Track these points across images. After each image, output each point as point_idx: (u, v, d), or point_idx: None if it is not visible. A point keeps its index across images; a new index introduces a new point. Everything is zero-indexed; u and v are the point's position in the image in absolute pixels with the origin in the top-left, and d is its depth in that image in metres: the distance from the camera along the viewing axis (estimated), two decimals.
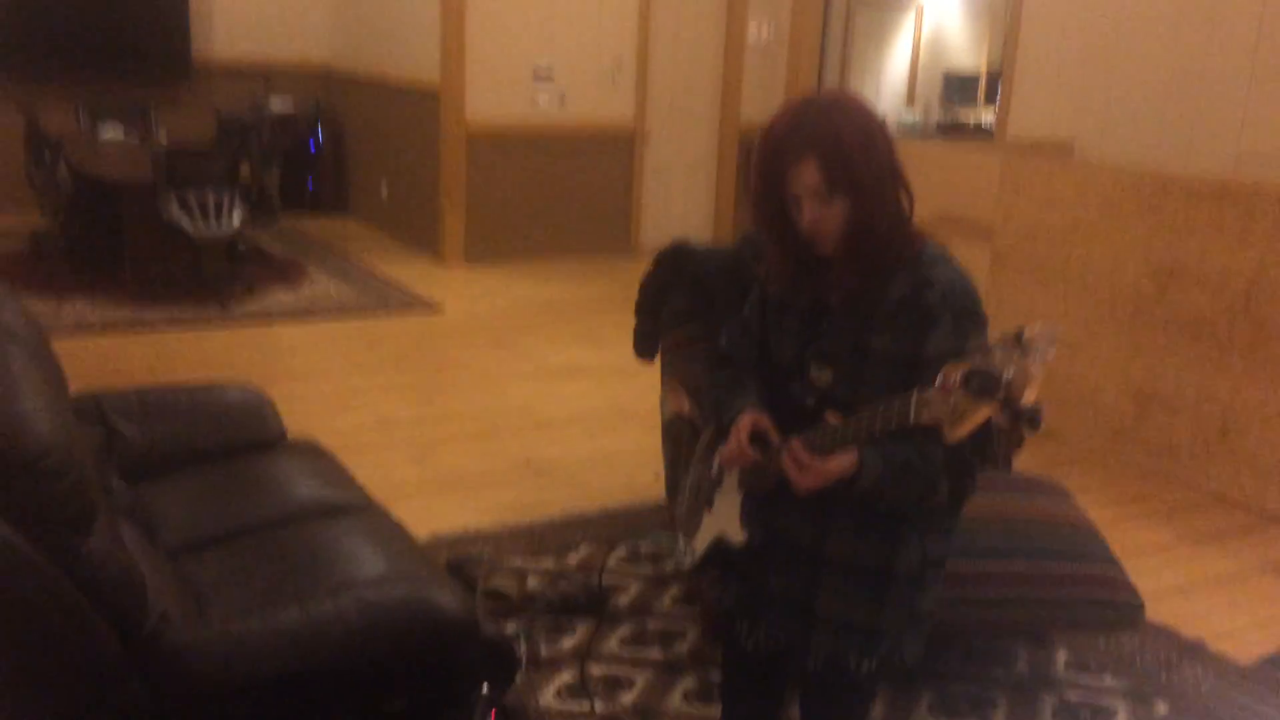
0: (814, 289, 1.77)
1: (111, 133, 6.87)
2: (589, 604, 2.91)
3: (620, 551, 3.25)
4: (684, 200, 8.03)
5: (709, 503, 1.93)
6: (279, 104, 8.38)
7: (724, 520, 1.87)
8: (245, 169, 6.10)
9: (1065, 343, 4.51)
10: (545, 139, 7.23)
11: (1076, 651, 2.86)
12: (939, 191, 5.01)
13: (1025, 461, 4.21)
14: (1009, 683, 2.71)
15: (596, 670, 2.66)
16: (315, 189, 8.64)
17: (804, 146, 1.61)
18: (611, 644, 2.78)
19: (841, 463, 1.61)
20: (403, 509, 3.42)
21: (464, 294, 6.43)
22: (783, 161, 1.63)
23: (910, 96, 10.44)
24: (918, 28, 10.32)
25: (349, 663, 1.85)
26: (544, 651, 2.73)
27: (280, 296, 6.11)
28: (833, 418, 1.63)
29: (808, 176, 1.62)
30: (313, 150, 8.57)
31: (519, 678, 2.33)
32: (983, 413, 1.39)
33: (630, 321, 3.08)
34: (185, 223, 5.62)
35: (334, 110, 8.71)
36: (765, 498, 1.80)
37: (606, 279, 6.82)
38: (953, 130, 9.49)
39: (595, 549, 3.27)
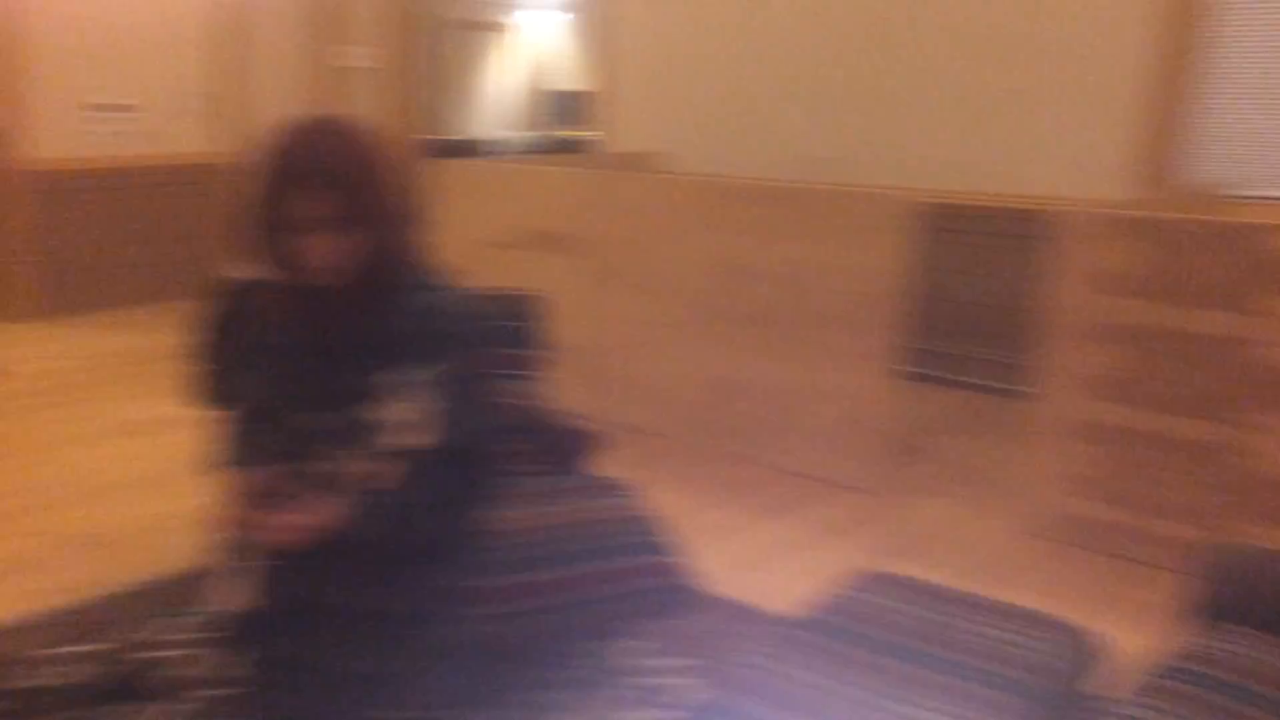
0: (311, 325, 1.71)
1: None
2: (149, 688, 2.69)
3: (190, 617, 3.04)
4: None
5: (231, 572, 1.85)
6: None
7: (243, 587, 1.80)
8: None
9: (650, 342, 4.77)
10: (122, 176, 6.73)
11: (637, 639, 2.99)
12: (533, 209, 5.15)
13: (624, 457, 4.43)
14: (568, 684, 2.78)
15: None
16: None
17: (316, 174, 1.53)
18: None
19: (325, 515, 1.58)
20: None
21: (31, 354, 5.83)
22: (290, 189, 1.53)
23: (512, 115, 10.68)
24: (517, 49, 10.57)
25: None
26: None
27: None
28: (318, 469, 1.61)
29: (321, 206, 1.54)
30: None
31: None
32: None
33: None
34: None
35: None
36: (281, 560, 1.73)
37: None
38: (557, 147, 9.81)
39: (161, 620, 3.02)
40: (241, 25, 7.18)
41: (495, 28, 10.35)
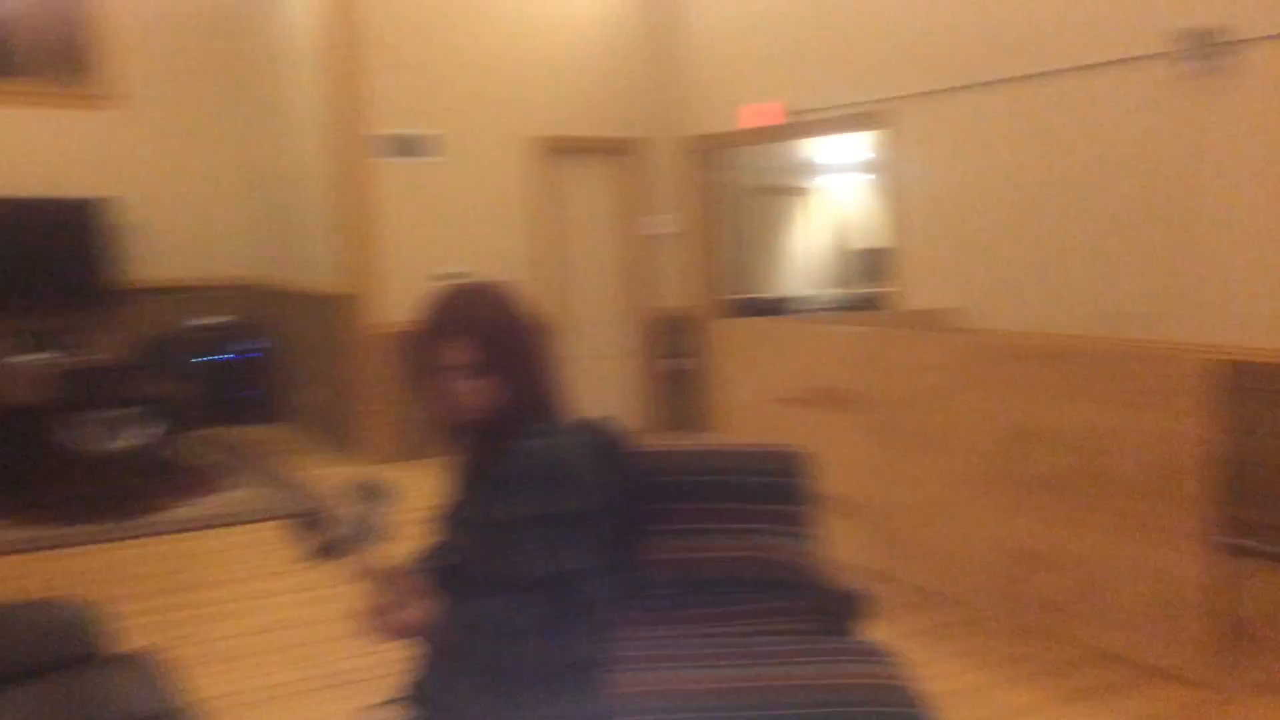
0: (456, 456, 1.90)
1: (32, 356, 7.02)
2: None
3: None
4: (607, 390, 8.21)
5: None
6: (211, 319, 8.63)
7: None
8: (160, 385, 6.24)
9: (939, 503, 4.60)
10: None
11: None
12: (818, 367, 5.19)
13: (911, 625, 4.25)
14: None
15: None
16: (252, 398, 8.78)
17: (456, 325, 1.73)
18: None
19: (413, 617, 1.71)
20: (275, 710, 3.41)
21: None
22: (437, 336, 1.75)
23: (824, 275, 10.85)
24: (825, 209, 10.82)
25: None
26: None
27: (188, 508, 6.14)
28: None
29: (458, 353, 1.73)
30: (244, 361, 8.76)
31: None
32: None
33: None
34: (88, 441, 5.70)
35: (264, 322, 8.95)
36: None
37: None
38: (861, 304, 9.84)
39: None
40: (558, 200, 7.88)
41: (798, 192, 10.68)
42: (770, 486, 3.67)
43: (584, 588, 1.74)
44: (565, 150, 7.84)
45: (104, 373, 6.05)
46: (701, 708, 2.68)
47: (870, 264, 10.46)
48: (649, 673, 2.84)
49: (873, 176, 10.56)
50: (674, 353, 8.34)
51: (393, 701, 1.92)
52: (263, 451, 7.70)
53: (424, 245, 7.33)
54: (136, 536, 5.60)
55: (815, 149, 10.41)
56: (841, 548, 4.75)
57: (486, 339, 1.73)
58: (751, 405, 5.57)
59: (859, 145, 10.45)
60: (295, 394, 8.58)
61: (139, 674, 2.85)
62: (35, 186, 8.09)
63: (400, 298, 7.20)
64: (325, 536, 1.62)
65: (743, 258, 10.12)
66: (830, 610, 3.34)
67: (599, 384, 8.17)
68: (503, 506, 1.73)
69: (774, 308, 9.90)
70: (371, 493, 1.71)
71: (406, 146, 7.26)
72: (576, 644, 1.74)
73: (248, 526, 5.82)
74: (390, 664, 3.82)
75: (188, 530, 5.73)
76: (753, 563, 3.54)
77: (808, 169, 10.63)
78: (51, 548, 5.39)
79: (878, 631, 3.24)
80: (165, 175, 8.71)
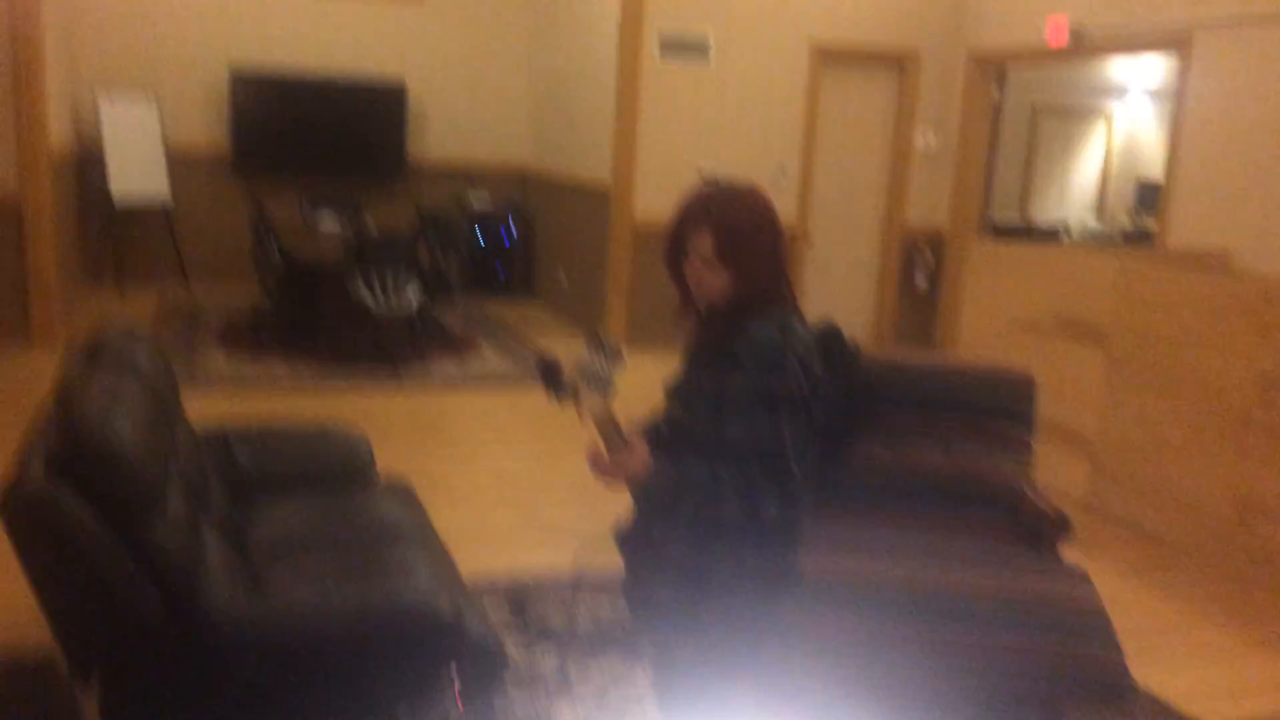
0: (692, 336, 2.10)
1: (326, 221, 7.82)
2: (624, 641, 3.20)
3: None
4: (845, 300, 8.25)
5: None
6: (479, 200, 9.28)
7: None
8: (432, 255, 6.85)
9: (1169, 444, 4.47)
10: None
11: None
12: (1055, 294, 5.08)
13: (1121, 557, 4.22)
14: None
15: (614, 690, 2.95)
16: (506, 276, 9.42)
17: (706, 219, 1.93)
18: (637, 671, 3.06)
19: (628, 465, 1.89)
20: (495, 548, 3.85)
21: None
22: (687, 227, 1.96)
23: (1100, 205, 10.29)
24: (1109, 136, 10.21)
25: (347, 643, 2.24)
26: (577, 681, 3.04)
27: (449, 367, 6.76)
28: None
29: (703, 244, 1.94)
30: (505, 242, 9.37)
31: (506, 677, 2.65)
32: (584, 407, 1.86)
33: None
34: (369, 301, 6.37)
35: (526, 207, 9.52)
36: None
37: None
38: (1138, 239, 9.30)
39: None
40: (824, 108, 7.86)
41: (1087, 113, 10.11)
42: (994, 407, 3.72)
43: (786, 463, 1.92)
44: (838, 58, 7.79)
45: (389, 241, 6.69)
46: (888, 598, 2.84)
47: (1144, 197, 9.86)
48: (841, 560, 3.03)
49: (1160, 105, 9.88)
50: (918, 271, 8.25)
51: (604, 545, 2.20)
52: (514, 325, 8.29)
53: (687, 145, 7.54)
54: (403, 387, 6.25)
55: (1102, 71, 9.81)
56: (1056, 475, 4.73)
57: (727, 233, 1.92)
58: (988, 329, 5.53)
59: (1149, 71, 9.78)
60: (547, 276, 9.12)
61: (396, 497, 3.31)
62: (347, 70, 8.90)
63: (657, 195, 7.48)
64: (566, 381, 1.88)
65: (1009, 180, 9.76)
66: (1036, 531, 3.40)
67: (840, 294, 8.21)
68: (725, 382, 1.93)
69: (1033, 233, 9.54)
70: (606, 349, 1.93)
71: (682, 48, 7.44)
72: (772, 511, 1.92)
73: (495, 389, 6.36)
74: (599, 520, 4.19)
75: (445, 387, 6.34)
76: (964, 477, 3.63)
77: (1093, 91, 10.04)
78: (334, 389, 6.11)
79: (1080, 559, 3.28)
80: (457, 65, 9.35)
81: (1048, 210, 10.11)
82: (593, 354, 1.92)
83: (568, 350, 2.00)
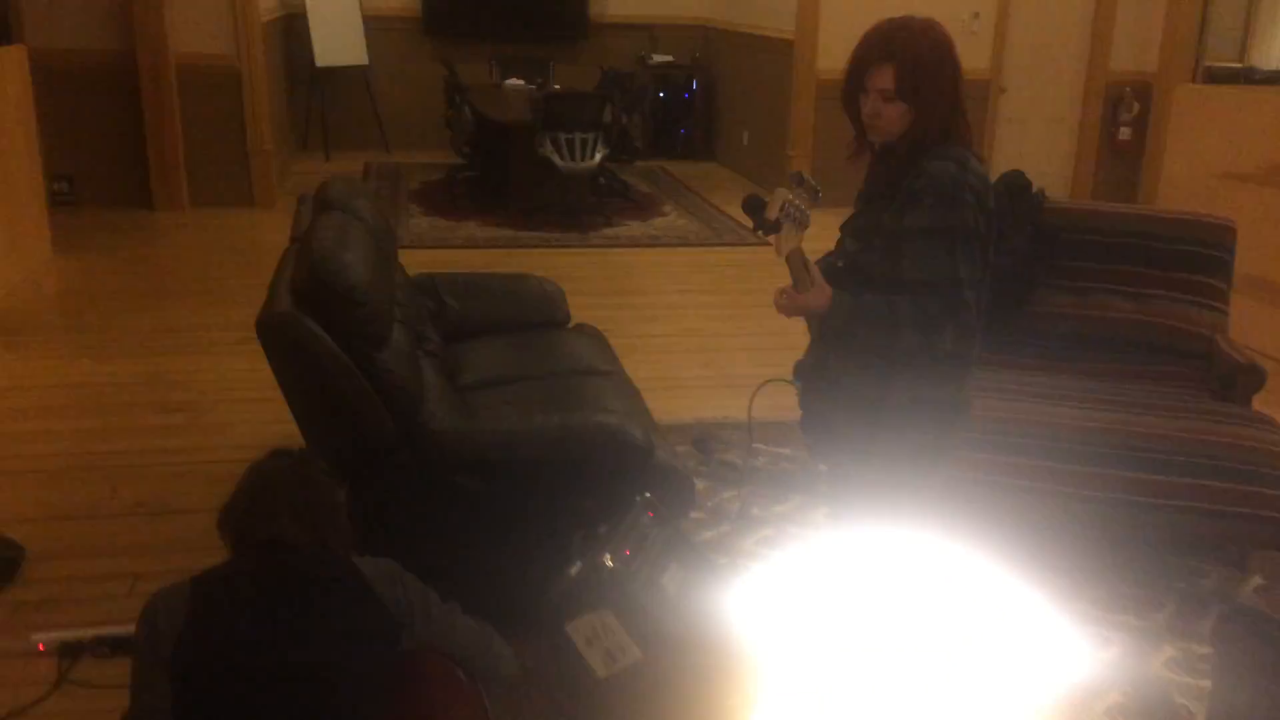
0: (868, 172, 2.14)
1: (514, 82, 8.01)
2: (804, 482, 3.37)
3: None
4: (1041, 152, 7.93)
5: None
6: (661, 58, 9.28)
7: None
8: (615, 114, 6.96)
9: None
10: None
11: (1273, 579, 2.90)
12: (1271, 141, 4.79)
13: None
14: (1187, 593, 2.84)
15: (790, 529, 3.13)
16: (687, 135, 9.45)
17: (887, 54, 1.96)
18: (818, 515, 3.23)
19: (811, 299, 1.98)
20: (680, 396, 4.05)
21: None
22: (867, 62, 1.99)
23: None
24: None
25: (549, 462, 2.48)
26: (756, 512, 3.23)
27: (633, 226, 6.94)
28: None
29: (883, 78, 1.97)
30: (687, 100, 9.36)
31: (699, 511, 2.86)
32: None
33: None
34: (556, 159, 6.57)
35: (708, 63, 9.44)
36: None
37: None
38: None
39: None
40: None
41: None
42: (1188, 256, 3.63)
43: (962, 297, 1.98)
44: None
45: (575, 100, 6.83)
46: (1064, 441, 2.88)
47: None
48: (1017, 404, 3.07)
49: None
50: (1120, 121, 7.82)
51: (782, 391, 2.32)
52: (696, 184, 8.36)
53: None
54: (589, 244, 6.47)
55: None
56: (1248, 329, 4.55)
57: (909, 67, 1.94)
58: (1194, 180, 5.26)
59: None
60: (729, 134, 9.09)
61: (587, 339, 3.53)
62: None
63: (842, 46, 7.27)
64: (768, 216, 1.97)
65: (1227, 19, 8.98)
66: (1228, 382, 3.33)
67: (1035, 145, 7.89)
68: (903, 217, 1.99)
69: (1253, 78, 8.82)
70: (807, 187, 2.02)
71: None
72: (946, 344, 1.99)
73: (677, 247, 6.50)
74: (780, 371, 4.33)
75: (630, 244, 6.52)
76: (1154, 327, 3.57)
77: None
78: (525, 247, 6.39)
79: (1273, 411, 3.22)
80: None
81: (1272, 53, 9.30)
82: (795, 191, 2.00)
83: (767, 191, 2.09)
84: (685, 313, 5.29)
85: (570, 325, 3.63)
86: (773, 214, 1.99)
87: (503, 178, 7.16)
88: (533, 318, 3.57)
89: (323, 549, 1.75)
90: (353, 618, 1.71)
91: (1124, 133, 7.82)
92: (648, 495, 2.42)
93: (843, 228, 2.19)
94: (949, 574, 2.46)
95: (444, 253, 6.11)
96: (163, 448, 3.63)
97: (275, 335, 2.34)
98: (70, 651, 2.51)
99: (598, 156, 6.65)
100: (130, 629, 2.58)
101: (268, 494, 1.76)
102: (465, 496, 2.44)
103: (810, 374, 2.24)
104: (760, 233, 2.02)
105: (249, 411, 3.92)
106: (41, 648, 2.52)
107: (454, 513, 2.45)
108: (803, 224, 2.00)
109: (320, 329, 2.33)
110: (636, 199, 7.67)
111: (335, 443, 2.41)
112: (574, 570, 2.24)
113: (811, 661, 2.34)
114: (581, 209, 6.86)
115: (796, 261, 2.00)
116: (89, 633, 2.55)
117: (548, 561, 2.32)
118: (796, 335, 5.18)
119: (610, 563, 2.16)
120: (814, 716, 2.28)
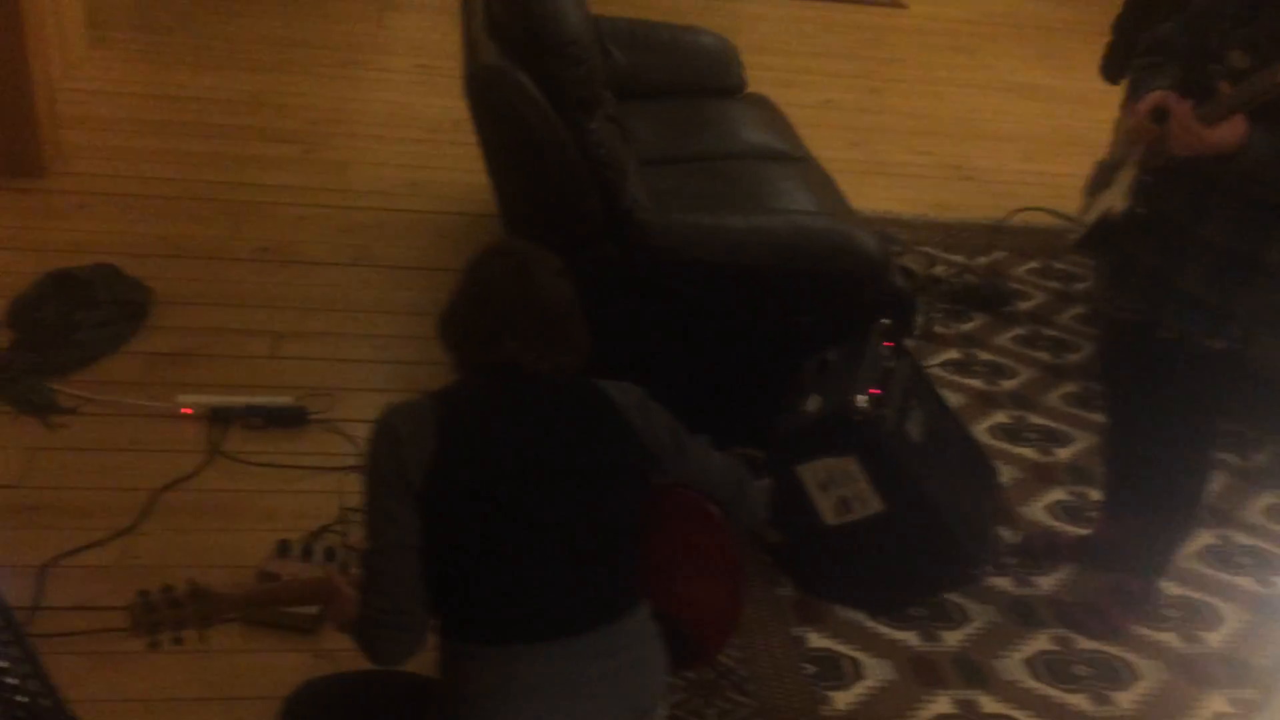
0: None
1: None
2: (989, 299, 3.06)
3: (1034, 264, 3.32)
4: None
5: (1108, 183, 1.97)
6: None
7: (1115, 196, 1.91)
8: None
9: None
10: None
11: None
12: None
13: None
14: None
15: (984, 356, 2.84)
16: None
17: None
18: (1004, 339, 2.93)
19: (1224, 133, 1.60)
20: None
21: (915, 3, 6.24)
22: None
23: None
24: None
25: (775, 269, 2.15)
26: (939, 329, 2.94)
27: None
28: (1225, 88, 1.62)
29: None
30: None
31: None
32: None
33: (1101, 46, 2.98)
34: None
35: None
36: (1156, 176, 1.82)
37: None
38: None
39: (1008, 256, 3.36)
40: None
41: None
42: None
43: None
44: None
45: None
46: None
47: None
48: None
49: None
50: None
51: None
52: None
53: None
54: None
55: None
56: None
57: None
58: None
59: None
60: None
61: (765, 116, 3.12)
62: None
63: None
64: None
65: None
66: None
67: None
68: None
69: None
70: None
71: None
72: None
73: (809, 2, 5.86)
74: (934, 162, 3.81)
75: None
76: None
77: None
78: None
79: None
80: None
81: None
82: None
83: None
84: (821, 80, 4.79)
85: (742, 92, 3.21)
86: None
87: None
88: (704, 81, 3.15)
89: (560, 372, 1.48)
90: (618, 451, 1.46)
91: None
92: (886, 321, 2.12)
93: (1212, 36, 1.76)
94: None
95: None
96: (280, 184, 3.29)
97: (485, 92, 1.96)
98: (220, 417, 2.29)
99: None
100: (284, 400, 2.41)
101: (490, 309, 1.45)
102: (676, 302, 2.13)
103: (1137, 225, 1.86)
104: None
105: (366, 150, 3.56)
106: (188, 411, 2.30)
107: (661, 321, 2.15)
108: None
109: (534, 88, 1.95)
110: None
111: (536, 224, 2.07)
112: (811, 405, 1.96)
113: None
114: None
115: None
116: (239, 400, 2.33)
117: (773, 389, 2.04)
118: (946, 120, 4.63)
119: (863, 403, 1.88)
120: None
